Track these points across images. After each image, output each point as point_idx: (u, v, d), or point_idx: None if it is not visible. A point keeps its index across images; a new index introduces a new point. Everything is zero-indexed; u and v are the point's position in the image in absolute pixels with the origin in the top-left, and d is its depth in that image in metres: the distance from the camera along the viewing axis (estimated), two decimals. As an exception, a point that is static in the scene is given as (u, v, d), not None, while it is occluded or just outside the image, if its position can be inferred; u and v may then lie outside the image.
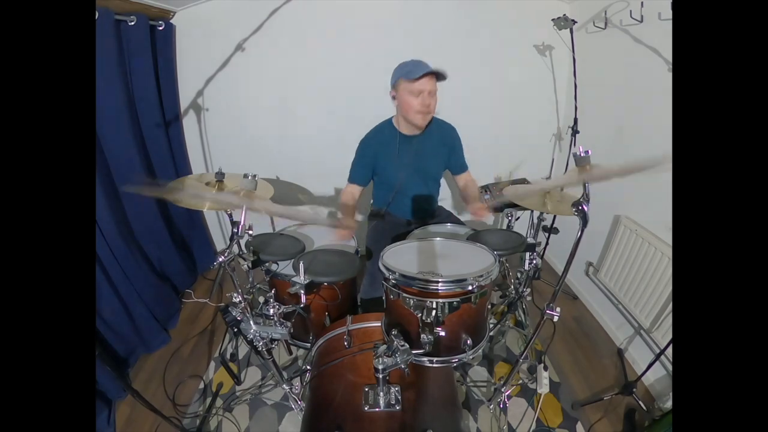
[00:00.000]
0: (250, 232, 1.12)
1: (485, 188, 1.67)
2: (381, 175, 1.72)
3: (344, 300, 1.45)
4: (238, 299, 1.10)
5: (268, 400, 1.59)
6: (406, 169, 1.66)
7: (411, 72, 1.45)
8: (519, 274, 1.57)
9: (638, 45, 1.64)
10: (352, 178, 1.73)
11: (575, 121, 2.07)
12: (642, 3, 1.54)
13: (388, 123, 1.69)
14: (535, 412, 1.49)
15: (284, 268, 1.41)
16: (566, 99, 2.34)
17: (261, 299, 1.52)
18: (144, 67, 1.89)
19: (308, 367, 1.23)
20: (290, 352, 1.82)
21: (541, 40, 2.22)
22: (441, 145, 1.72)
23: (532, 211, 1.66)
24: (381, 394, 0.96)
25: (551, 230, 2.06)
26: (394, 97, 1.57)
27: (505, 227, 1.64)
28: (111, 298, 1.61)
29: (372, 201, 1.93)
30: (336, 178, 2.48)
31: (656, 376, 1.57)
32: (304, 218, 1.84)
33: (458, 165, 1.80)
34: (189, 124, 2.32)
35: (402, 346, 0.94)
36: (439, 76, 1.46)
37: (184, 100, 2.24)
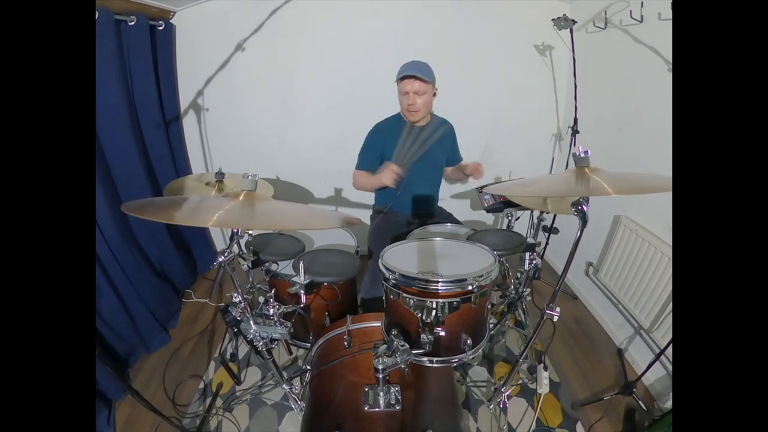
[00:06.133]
0: (250, 231, 1.12)
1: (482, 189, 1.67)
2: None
3: (344, 300, 1.45)
4: (238, 299, 1.10)
5: (268, 400, 1.59)
6: (414, 156, 1.68)
7: (398, 73, 1.56)
8: (519, 274, 1.57)
9: (638, 45, 1.64)
10: (362, 165, 1.75)
11: (575, 121, 2.07)
12: (642, 3, 1.55)
13: (396, 115, 1.73)
14: (535, 412, 1.49)
15: (284, 268, 1.41)
16: (566, 99, 2.34)
17: (261, 299, 1.52)
18: (144, 67, 1.89)
19: (308, 367, 1.23)
20: (290, 352, 1.82)
21: (541, 40, 2.22)
22: (445, 135, 1.82)
23: (532, 211, 1.66)
24: (381, 394, 0.96)
25: (551, 230, 2.05)
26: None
27: (505, 227, 1.64)
28: (111, 298, 1.60)
29: (374, 200, 1.93)
30: (336, 178, 2.48)
31: (656, 376, 1.57)
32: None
33: (455, 158, 1.94)
34: (189, 124, 2.32)
35: (402, 346, 0.95)
36: (417, 77, 1.52)
37: (184, 100, 2.24)
